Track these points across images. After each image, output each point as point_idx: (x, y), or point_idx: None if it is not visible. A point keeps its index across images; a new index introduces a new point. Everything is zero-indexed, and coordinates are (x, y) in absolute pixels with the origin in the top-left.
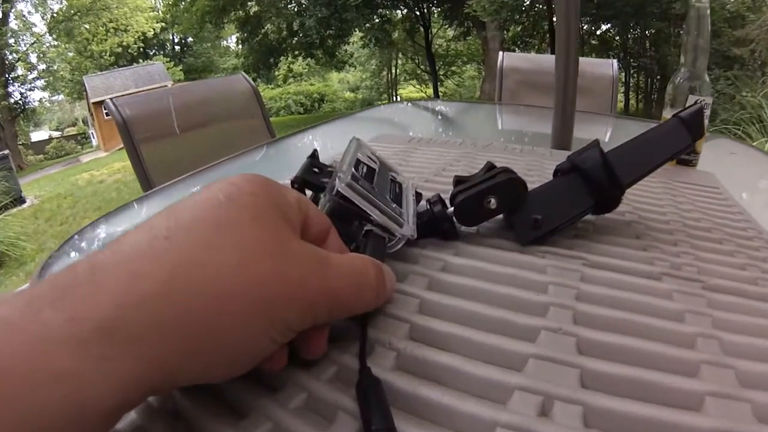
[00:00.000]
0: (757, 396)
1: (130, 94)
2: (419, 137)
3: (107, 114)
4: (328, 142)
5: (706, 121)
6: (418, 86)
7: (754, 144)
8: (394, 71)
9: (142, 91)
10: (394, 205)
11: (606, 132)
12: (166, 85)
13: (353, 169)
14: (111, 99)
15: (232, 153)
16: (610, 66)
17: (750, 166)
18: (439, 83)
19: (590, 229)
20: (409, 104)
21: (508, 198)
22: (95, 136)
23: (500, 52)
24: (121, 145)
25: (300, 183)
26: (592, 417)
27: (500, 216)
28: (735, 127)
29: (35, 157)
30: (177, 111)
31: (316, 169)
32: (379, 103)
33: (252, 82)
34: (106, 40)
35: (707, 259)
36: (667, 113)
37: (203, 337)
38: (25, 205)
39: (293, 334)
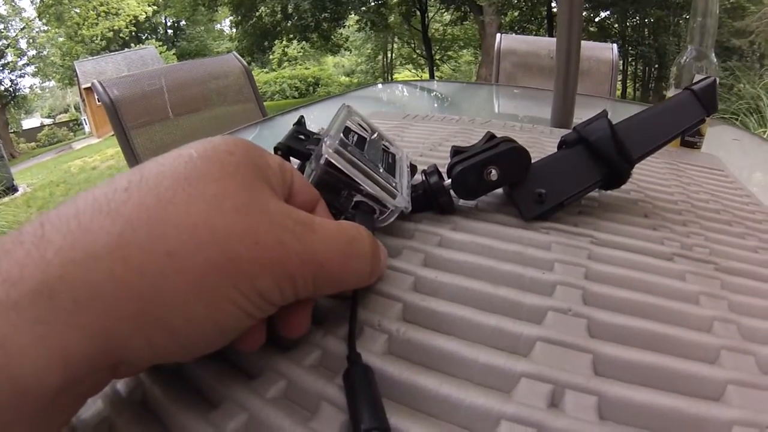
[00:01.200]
0: None
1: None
2: (415, 114)
3: (99, 99)
4: (323, 121)
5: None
6: (414, 71)
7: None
8: (389, 55)
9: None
10: (387, 175)
11: (610, 111)
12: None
13: (342, 135)
14: (99, 81)
15: (224, 132)
16: (610, 50)
17: (754, 152)
18: (435, 68)
19: (596, 206)
20: (405, 85)
21: (510, 169)
22: (87, 122)
23: (498, 34)
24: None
25: (284, 150)
26: (607, 408)
27: (500, 190)
28: (733, 117)
29: (27, 144)
30: (168, 92)
31: (302, 136)
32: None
33: (243, 62)
34: (96, 24)
35: (718, 241)
36: (673, 92)
37: (155, 302)
38: (17, 194)
39: (271, 308)
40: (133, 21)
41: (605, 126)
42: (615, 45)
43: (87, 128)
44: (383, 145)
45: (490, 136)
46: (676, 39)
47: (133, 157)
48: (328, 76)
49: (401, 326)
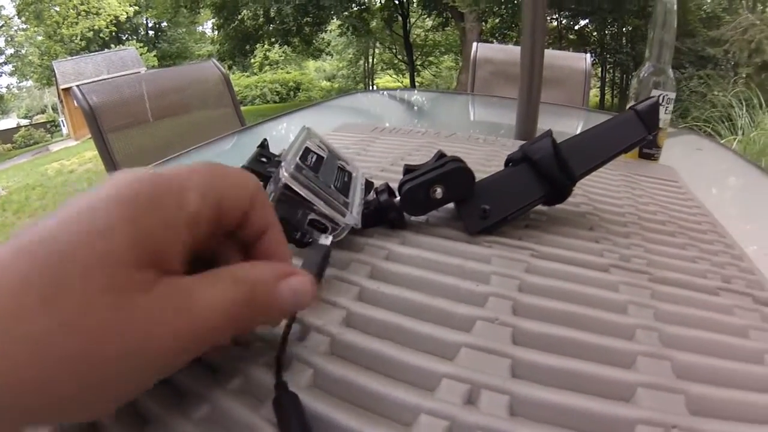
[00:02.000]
0: (691, 387)
1: (102, 80)
2: (383, 126)
3: (78, 104)
4: (298, 128)
5: (669, 116)
6: (395, 76)
7: (723, 141)
8: (371, 60)
9: (115, 77)
10: (339, 195)
11: (577, 125)
12: (139, 71)
13: (298, 160)
14: (77, 86)
15: (202, 141)
16: (583, 59)
17: (714, 162)
18: (416, 73)
19: (543, 220)
20: (385, 93)
21: (455, 187)
22: (65, 124)
23: (474, 43)
24: None
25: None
26: (519, 406)
27: (452, 205)
28: (705, 124)
29: (3, 146)
30: (148, 99)
31: (264, 159)
32: (356, 92)
33: (223, 69)
34: (77, 23)
35: (658, 251)
36: (632, 106)
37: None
38: None
39: (170, 369)
40: (114, 21)
41: (548, 145)
42: (588, 55)
43: (65, 130)
44: (339, 164)
45: (440, 155)
46: None
47: (111, 163)
48: (309, 80)
49: (342, 330)
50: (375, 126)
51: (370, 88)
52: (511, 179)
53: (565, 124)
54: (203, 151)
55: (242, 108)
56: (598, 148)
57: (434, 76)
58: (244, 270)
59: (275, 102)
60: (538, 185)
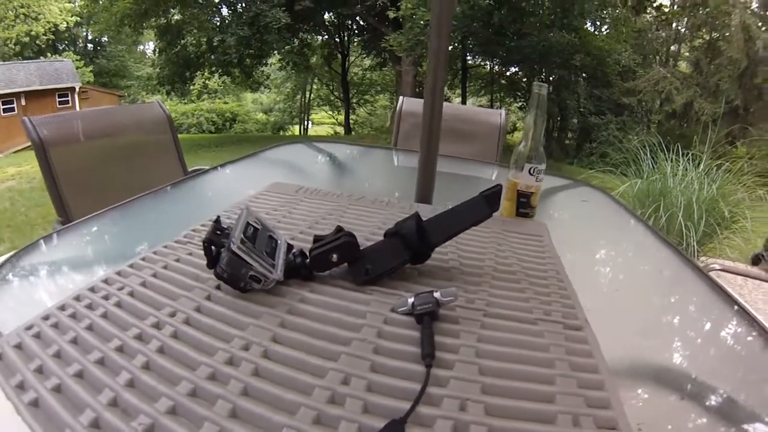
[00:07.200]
0: (488, 380)
1: (33, 90)
2: (305, 188)
3: (6, 110)
4: (236, 180)
5: (540, 183)
6: (330, 112)
7: (627, 184)
8: (308, 95)
9: (47, 89)
10: (269, 258)
11: (492, 174)
12: (73, 87)
13: (242, 235)
14: (28, 118)
15: (145, 181)
16: (498, 115)
17: (594, 211)
18: (351, 110)
19: (415, 274)
20: (311, 146)
21: (346, 254)
22: None
23: (400, 97)
24: (18, 147)
25: (207, 242)
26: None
27: (345, 265)
28: (615, 168)
29: None
30: (94, 136)
31: (218, 232)
32: (290, 129)
33: (167, 111)
34: (13, 26)
35: (499, 294)
36: (511, 174)
37: None
38: None
39: None
40: (53, 29)
41: (413, 225)
42: (503, 110)
43: None
44: (269, 234)
45: (339, 229)
46: (576, 95)
47: (58, 197)
48: (246, 112)
49: (270, 343)
50: (300, 186)
51: (306, 122)
52: (386, 247)
53: (479, 179)
54: (152, 198)
55: (178, 136)
56: (453, 223)
57: (369, 114)
58: None
59: (210, 132)
60: (405, 251)
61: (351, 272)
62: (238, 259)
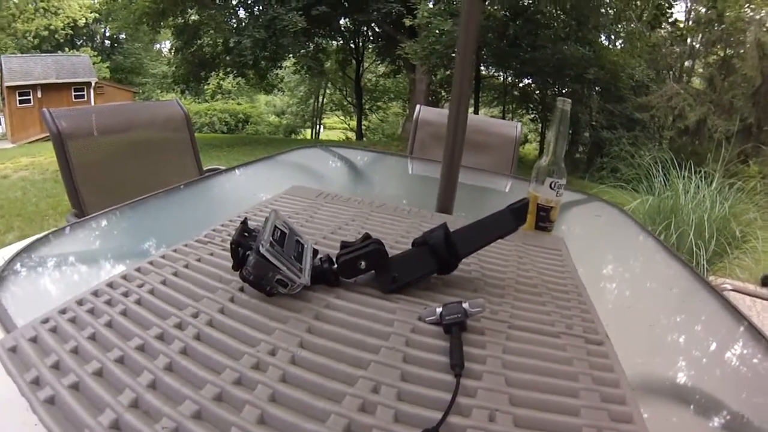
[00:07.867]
0: (515, 392)
1: (50, 83)
2: (326, 193)
3: (22, 102)
4: (253, 182)
5: (561, 198)
6: (342, 117)
7: (638, 201)
8: (321, 100)
9: (64, 82)
10: (296, 262)
11: (506, 186)
12: (89, 81)
13: (271, 237)
14: (48, 110)
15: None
16: (514, 128)
17: (606, 227)
18: (363, 116)
19: (440, 284)
20: (327, 150)
21: (374, 262)
22: (3, 124)
23: (417, 105)
24: (33, 138)
25: (235, 244)
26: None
27: (372, 272)
28: (627, 184)
29: None
30: (111, 130)
31: (246, 234)
32: (302, 133)
33: (185, 109)
34: (33, 19)
35: (521, 307)
36: (532, 188)
37: None
38: None
39: None
40: (72, 24)
41: (441, 235)
42: (519, 124)
43: (2, 129)
44: (296, 238)
45: (366, 236)
46: (588, 109)
47: (73, 190)
48: (259, 114)
49: (298, 349)
50: (320, 191)
51: (318, 127)
52: (414, 256)
53: (494, 192)
54: (166, 197)
55: None
56: (480, 235)
57: (381, 120)
58: None
59: (223, 132)
60: (433, 261)
61: (378, 280)
62: (266, 262)
